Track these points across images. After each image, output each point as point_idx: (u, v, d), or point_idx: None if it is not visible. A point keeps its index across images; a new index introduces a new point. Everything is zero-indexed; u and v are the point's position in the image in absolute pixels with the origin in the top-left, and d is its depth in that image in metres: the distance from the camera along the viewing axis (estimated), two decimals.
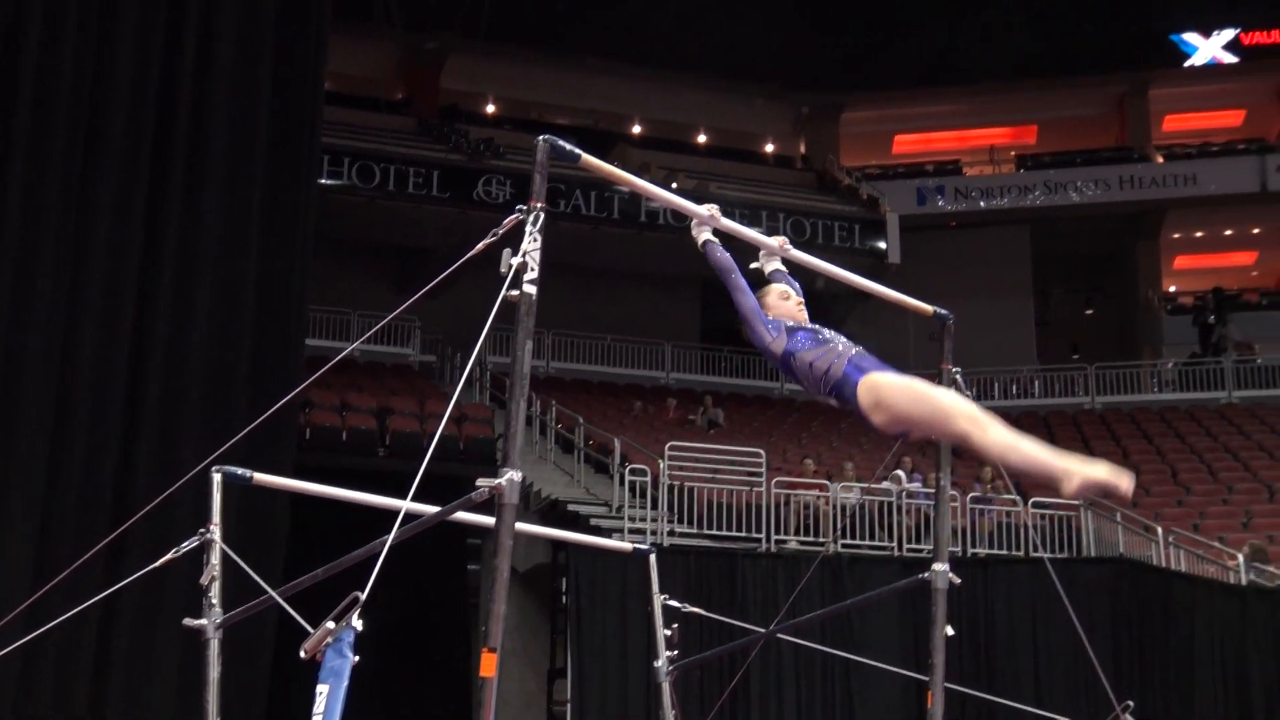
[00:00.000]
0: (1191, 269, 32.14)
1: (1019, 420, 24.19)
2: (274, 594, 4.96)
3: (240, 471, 5.48)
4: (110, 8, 13.46)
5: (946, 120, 32.03)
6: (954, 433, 4.28)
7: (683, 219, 4.85)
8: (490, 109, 30.01)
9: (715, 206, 4.89)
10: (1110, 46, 30.00)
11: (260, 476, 5.60)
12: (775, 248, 5.15)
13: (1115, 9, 30.31)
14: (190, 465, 5.56)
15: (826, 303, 26.80)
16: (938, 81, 30.29)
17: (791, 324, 4.77)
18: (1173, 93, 30.86)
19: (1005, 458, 4.13)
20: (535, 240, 3.69)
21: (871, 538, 16.18)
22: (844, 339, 4.69)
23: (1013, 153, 31.61)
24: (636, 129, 31.03)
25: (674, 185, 25.97)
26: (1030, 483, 17.23)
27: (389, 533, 3.67)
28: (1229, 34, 29.79)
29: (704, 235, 4.90)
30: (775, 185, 28.95)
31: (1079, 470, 3.93)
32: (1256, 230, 30.65)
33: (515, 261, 3.66)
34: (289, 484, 6.40)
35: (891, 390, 4.38)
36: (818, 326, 4.79)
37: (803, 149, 31.93)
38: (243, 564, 5.14)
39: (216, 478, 5.41)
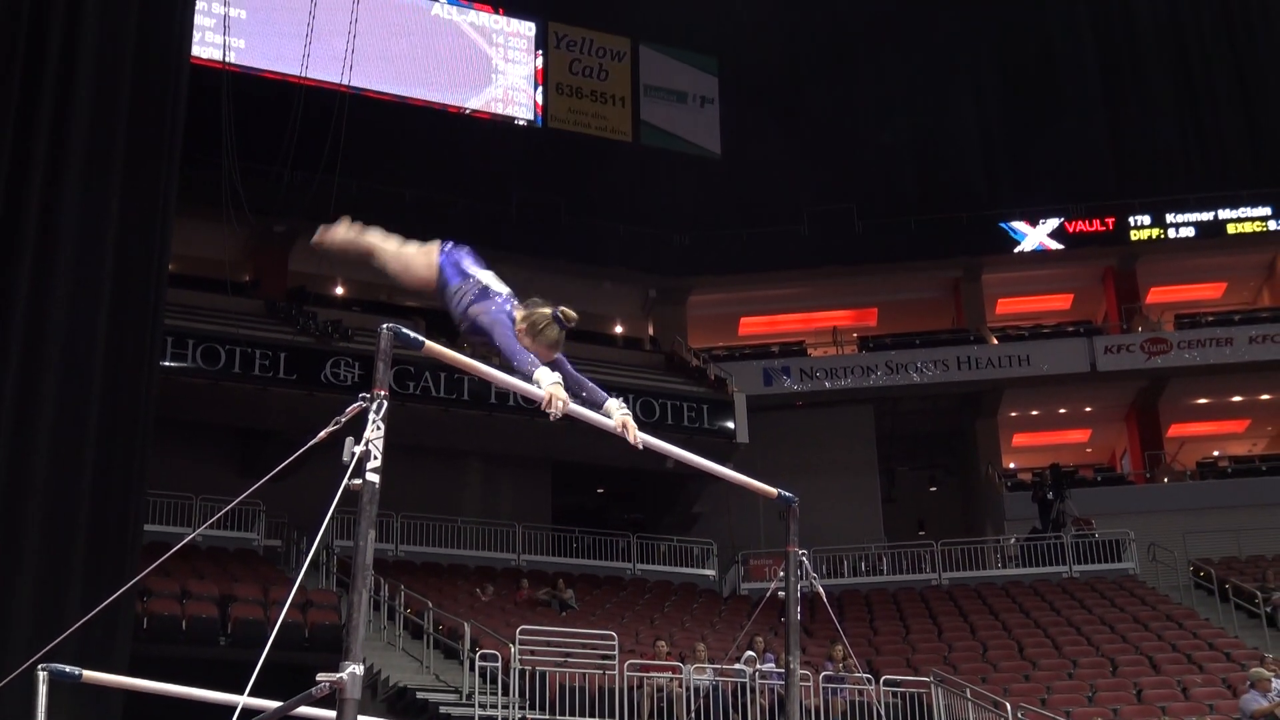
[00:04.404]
0: (1029, 446, 33.11)
1: (869, 597, 24.39)
2: None
3: (68, 669, 5.22)
4: None
5: (790, 303, 32.80)
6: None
7: (533, 401, 4.78)
8: (340, 290, 29.88)
9: (559, 386, 4.65)
10: (943, 234, 31.24)
11: (90, 674, 5.33)
12: (617, 429, 4.99)
13: (947, 199, 31.61)
14: (19, 661, 5.29)
15: (677, 482, 26.95)
16: (780, 266, 31.04)
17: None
18: (1004, 277, 32.10)
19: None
20: (378, 428, 3.64)
21: (726, 719, 16.02)
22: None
23: (855, 334, 32.45)
24: None
25: None
26: (881, 662, 17.27)
27: None
28: (1054, 223, 31.24)
29: (558, 394, 4.66)
30: (625, 366, 29.18)
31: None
32: (1089, 409, 31.75)
33: (358, 450, 3.60)
34: (120, 681, 6.13)
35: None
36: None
37: (651, 330, 32.35)
38: None
39: (43, 675, 5.14)
